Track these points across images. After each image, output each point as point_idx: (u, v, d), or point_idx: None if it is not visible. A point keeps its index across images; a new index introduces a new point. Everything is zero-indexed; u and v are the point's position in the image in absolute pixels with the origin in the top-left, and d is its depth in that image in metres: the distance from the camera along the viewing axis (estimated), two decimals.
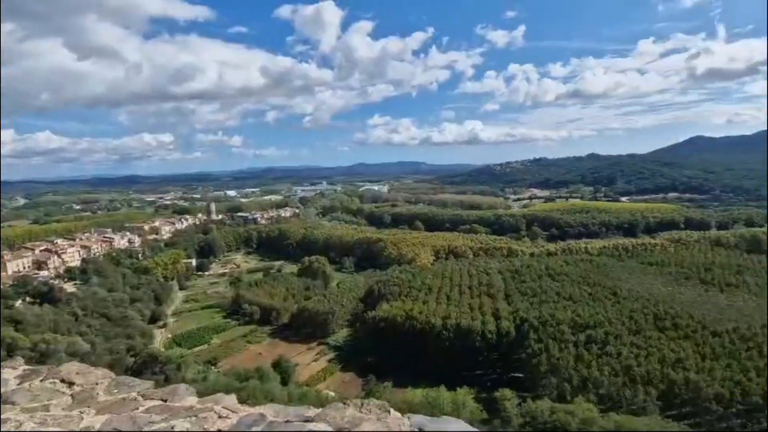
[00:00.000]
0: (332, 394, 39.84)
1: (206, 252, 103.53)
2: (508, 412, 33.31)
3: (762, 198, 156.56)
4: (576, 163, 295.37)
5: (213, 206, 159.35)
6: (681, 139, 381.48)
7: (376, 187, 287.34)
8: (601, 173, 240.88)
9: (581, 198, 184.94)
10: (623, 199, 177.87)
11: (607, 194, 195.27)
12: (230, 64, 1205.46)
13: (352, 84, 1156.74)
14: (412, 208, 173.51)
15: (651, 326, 44.57)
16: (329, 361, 51.21)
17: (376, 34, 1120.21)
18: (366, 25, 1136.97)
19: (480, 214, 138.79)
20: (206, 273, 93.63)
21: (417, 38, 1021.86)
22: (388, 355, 48.25)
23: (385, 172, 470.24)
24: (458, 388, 35.97)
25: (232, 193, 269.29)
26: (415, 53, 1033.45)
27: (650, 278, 62.75)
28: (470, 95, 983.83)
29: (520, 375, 42.95)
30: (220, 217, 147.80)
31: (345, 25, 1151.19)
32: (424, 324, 49.27)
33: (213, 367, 47.50)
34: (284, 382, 41.00)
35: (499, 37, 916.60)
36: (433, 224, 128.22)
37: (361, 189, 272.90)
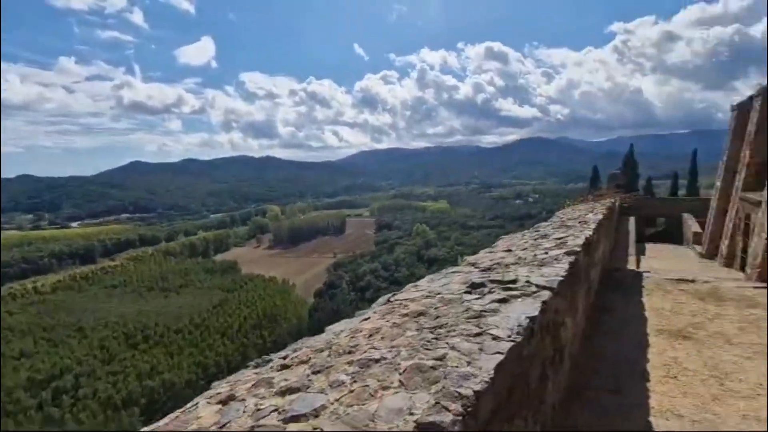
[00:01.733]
0: None
1: None
2: None
3: (193, 212, 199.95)
4: (5, 186, 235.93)
5: None
6: (123, 163, 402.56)
7: None
8: (41, 197, 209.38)
9: (19, 229, 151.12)
10: (74, 224, 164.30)
11: (52, 221, 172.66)
12: None
13: None
14: None
15: (124, 348, 45.05)
16: None
17: None
18: None
19: None
20: None
21: None
22: None
23: None
24: None
25: None
26: None
27: (116, 300, 62.74)
28: None
29: None
30: None
31: None
32: None
33: None
34: None
35: None
36: None
37: None
